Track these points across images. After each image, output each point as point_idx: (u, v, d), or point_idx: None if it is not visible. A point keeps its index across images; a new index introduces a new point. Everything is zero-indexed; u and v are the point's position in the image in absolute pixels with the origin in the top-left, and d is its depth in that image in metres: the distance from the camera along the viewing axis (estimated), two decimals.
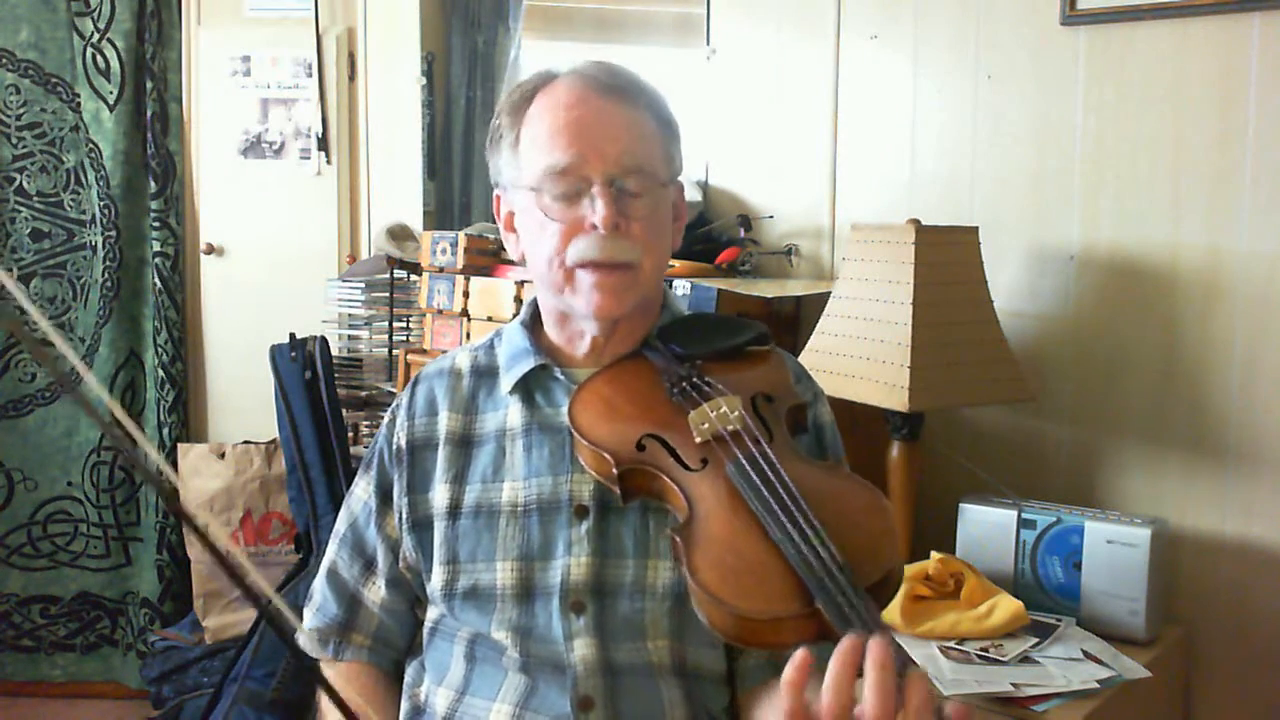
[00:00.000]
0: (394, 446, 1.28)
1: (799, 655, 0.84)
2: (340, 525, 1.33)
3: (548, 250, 1.17)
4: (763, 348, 1.26)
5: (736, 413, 1.09)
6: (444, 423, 1.26)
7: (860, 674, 0.81)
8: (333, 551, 1.33)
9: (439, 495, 1.23)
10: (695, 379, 1.16)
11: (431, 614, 1.26)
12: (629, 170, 1.16)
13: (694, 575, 0.93)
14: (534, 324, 1.29)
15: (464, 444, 1.24)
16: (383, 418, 1.34)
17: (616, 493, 1.08)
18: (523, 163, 1.19)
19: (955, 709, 0.80)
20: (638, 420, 1.11)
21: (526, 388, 1.23)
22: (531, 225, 1.20)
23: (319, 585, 1.33)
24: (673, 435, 1.09)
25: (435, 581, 1.20)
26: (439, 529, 1.21)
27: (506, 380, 1.24)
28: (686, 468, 1.05)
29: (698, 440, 1.07)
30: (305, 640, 1.31)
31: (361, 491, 1.31)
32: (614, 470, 1.06)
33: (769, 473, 1.01)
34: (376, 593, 1.29)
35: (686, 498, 1.01)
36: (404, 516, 1.25)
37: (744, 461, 1.03)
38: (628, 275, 1.17)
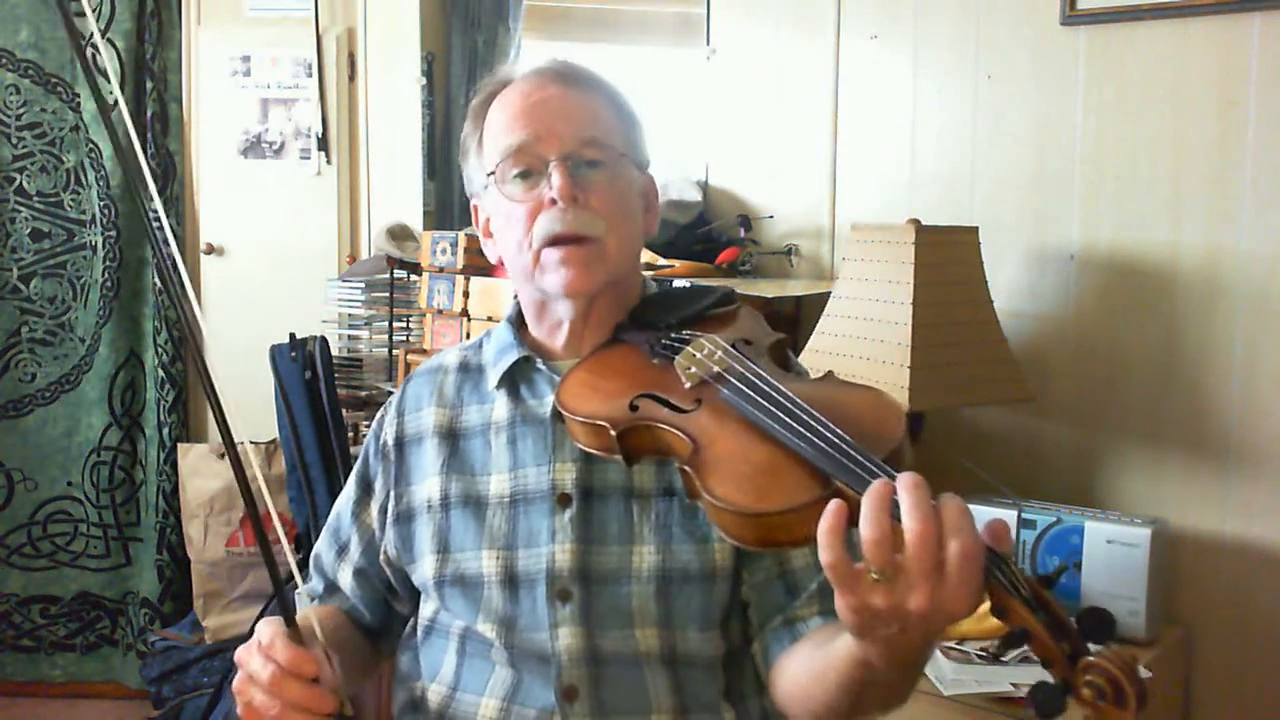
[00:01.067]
0: (381, 442, 1.32)
1: (833, 504, 0.83)
2: (332, 512, 1.39)
3: (516, 236, 1.19)
4: (730, 307, 1.28)
5: (719, 352, 1.11)
6: (430, 417, 1.28)
7: (895, 517, 0.80)
8: (321, 537, 1.39)
9: (428, 487, 1.25)
10: (672, 336, 1.18)
11: (426, 611, 1.27)
12: (584, 144, 1.18)
13: (711, 494, 0.93)
14: (519, 321, 1.31)
15: (451, 436, 1.26)
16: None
17: (619, 459, 1.08)
18: (485, 159, 1.22)
19: (993, 524, 0.82)
20: (626, 387, 1.12)
21: (512, 381, 1.25)
22: (500, 219, 1.22)
23: (311, 564, 1.40)
24: (662, 389, 1.10)
25: (427, 570, 1.22)
26: (430, 519, 1.23)
27: (493, 374, 1.26)
28: (682, 411, 1.06)
29: (687, 385, 1.09)
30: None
31: (346, 486, 1.37)
32: (612, 433, 1.07)
33: (762, 385, 1.03)
34: (347, 579, 1.34)
35: (688, 435, 1.02)
36: (389, 511, 1.28)
37: (736, 382, 1.05)
38: (593, 249, 1.18)
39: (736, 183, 2.53)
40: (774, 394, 1.00)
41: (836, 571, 0.82)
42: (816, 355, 2.01)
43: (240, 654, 1.08)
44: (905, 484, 0.80)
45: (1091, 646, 0.79)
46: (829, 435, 0.92)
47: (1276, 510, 1.90)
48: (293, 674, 1.04)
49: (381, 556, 1.30)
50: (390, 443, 1.30)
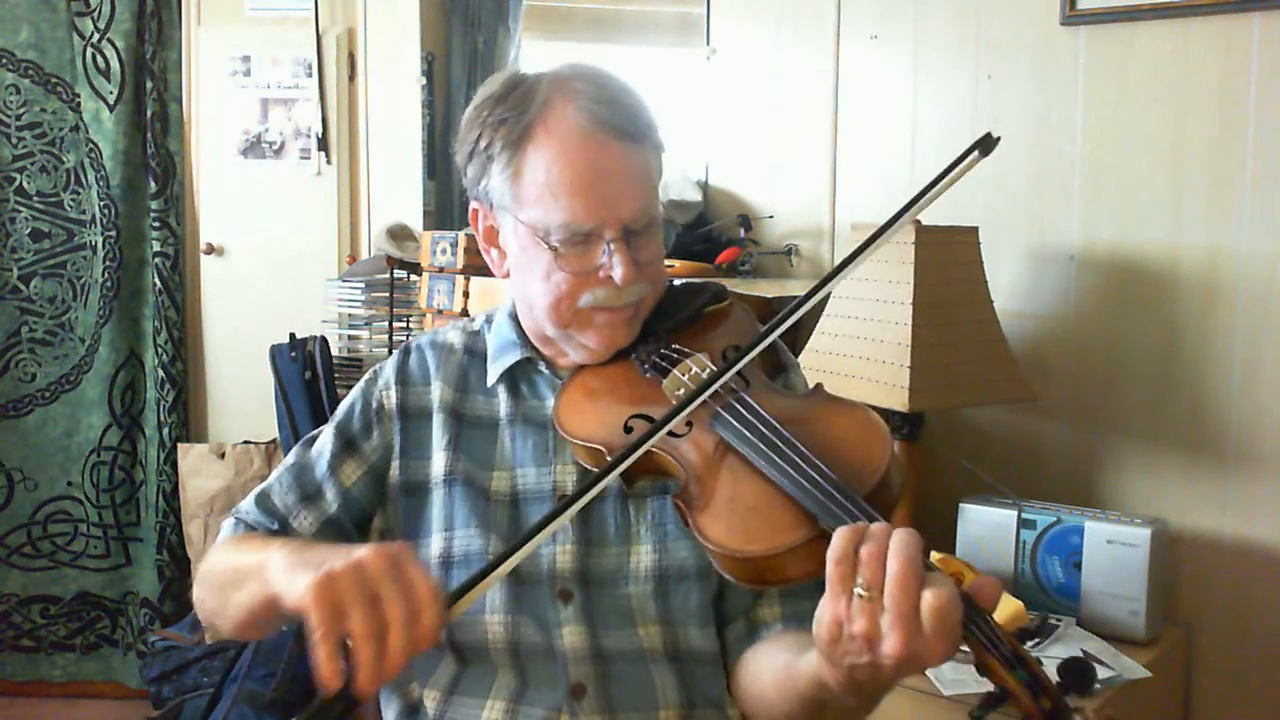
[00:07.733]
0: (377, 404, 1.27)
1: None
2: (289, 459, 1.29)
3: (554, 292, 1.17)
4: (722, 304, 1.29)
5: (706, 371, 1.12)
6: (437, 393, 1.26)
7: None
8: (272, 478, 1.28)
9: (436, 463, 1.23)
10: (662, 350, 1.19)
11: None
12: (642, 221, 1.17)
13: (701, 534, 0.95)
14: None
15: (457, 417, 1.25)
16: None
17: (620, 483, 1.09)
18: (525, 197, 1.16)
19: (980, 580, 0.85)
20: (619, 406, 1.13)
21: (512, 378, 1.25)
22: (530, 261, 1.18)
23: (252, 500, 1.27)
24: (655, 409, 1.10)
25: (434, 549, 1.20)
26: (439, 496, 1.21)
27: (492, 371, 1.26)
28: (673, 434, 1.06)
29: None
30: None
31: (321, 439, 1.28)
32: (609, 459, 1.06)
33: (749, 415, 1.03)
34: (306, 526, 1.24)
35: (680, 462, 1.03)
36: (394, 478, 1.24)
37: (723, 411, 1.05)
38: (637, 310, 1.20)
39: (736, 183, 2.53)
40: (760, 426, 1.01)
41: (840, 569, 0.84)
42: (816, 355, 2.01)
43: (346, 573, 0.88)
44: (897, 532, 0.84)
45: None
46: (816, 477, 0.93)
47: (1276, 510, 1.90)
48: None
49: (378, 519, 1.24)
50: (392, 409, 1.26)
